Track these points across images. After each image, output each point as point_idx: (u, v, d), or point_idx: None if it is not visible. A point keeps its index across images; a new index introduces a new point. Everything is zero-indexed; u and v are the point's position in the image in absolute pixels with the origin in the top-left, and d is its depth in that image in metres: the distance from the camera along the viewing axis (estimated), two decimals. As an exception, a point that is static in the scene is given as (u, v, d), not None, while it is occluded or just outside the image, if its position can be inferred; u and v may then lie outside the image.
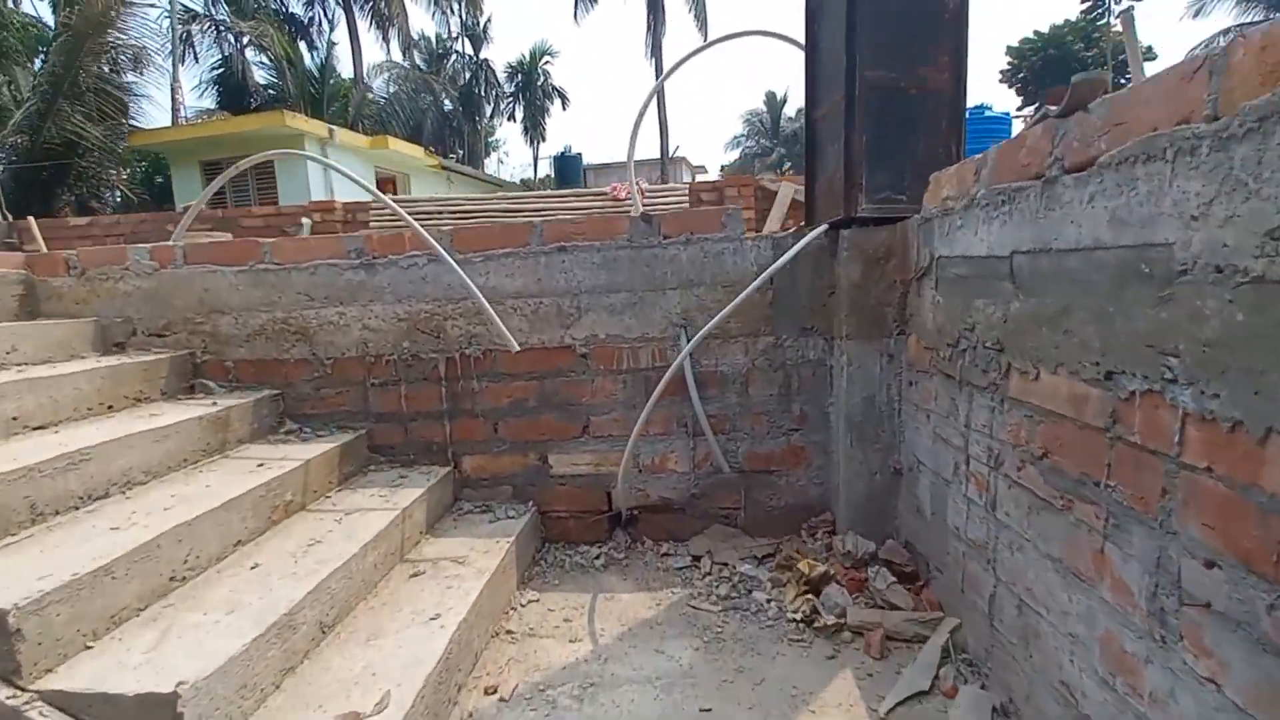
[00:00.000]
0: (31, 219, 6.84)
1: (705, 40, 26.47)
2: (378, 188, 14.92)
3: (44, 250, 6.97)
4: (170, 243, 2.62)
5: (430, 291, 2.48)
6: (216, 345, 2.61)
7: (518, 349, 2.31)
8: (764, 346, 2.42)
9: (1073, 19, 26.43)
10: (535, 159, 35.56)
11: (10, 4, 17.62)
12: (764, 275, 2.21)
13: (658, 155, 28.23)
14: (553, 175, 32.46)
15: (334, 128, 13.16)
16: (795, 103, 40.50)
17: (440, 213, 7.90)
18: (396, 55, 26.27)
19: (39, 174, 12.75)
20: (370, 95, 22.59)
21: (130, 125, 14.28)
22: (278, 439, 2.47)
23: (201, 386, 2.58)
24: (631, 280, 2.42)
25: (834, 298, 2.33)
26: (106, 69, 13.76)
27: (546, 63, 31.87)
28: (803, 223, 6.86)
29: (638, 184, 7.67)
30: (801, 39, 2.55)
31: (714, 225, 2.38)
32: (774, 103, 40.90)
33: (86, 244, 8.66)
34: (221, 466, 2.14)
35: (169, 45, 15.76)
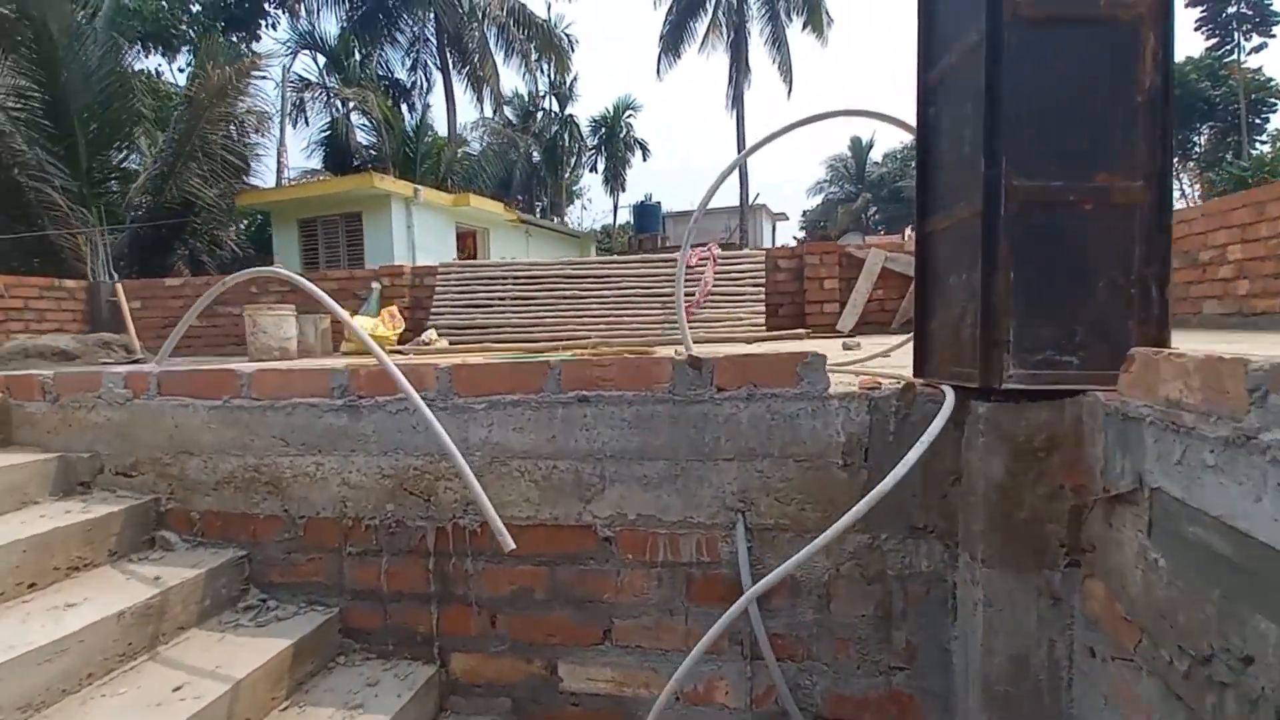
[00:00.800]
0: (120, 285, 7.13)
1: (789, 91, 26.07)
2: (458, 242, 15.26)
3: (128, 316, 7.25)
4: (147, 369, 2.27)
5: (421, 444, 1.98)
6: (183, 491, 2.21)
7: (512, 546, 1.73)
8: (854, 548, 1.73)
9: (1196, 56, 24.25)
10: (615, 207, 36.18)
11: (154, 74, 19.88)
12: (871, 497, 1.51)
13: (737, 203, 27.95)
14: (632, 223, 32.86)
15: (419, 187, 13.58)
16: (882, 147, 39.41)
17: (504, 278, 7.68)
18: (489, 113, 27.59)
19: (159, 231, 13.86)
20: (463, 150, 23.57)
21: (243, 185, 15.43)
22: (227, 623, 1.99)
23: (162, 541, 2.18)
24: (673, 445, 1.81)
25: (959, 489, 1.63)
26: (234, 133, 15.01)
27: (629, 115, 32.62)
28: (900, 298, 5.97)
29: (709, 252, 7.12)
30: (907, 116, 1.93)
31: (786, 375, 1.75)
32: (859, 148, 39.89)
33: (178, 304, 9.04)
34: (132, 681, 1.68)
35: (279, 112, 17.08)
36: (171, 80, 20.80)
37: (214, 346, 8.40)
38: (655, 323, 6.76)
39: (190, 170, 13.65)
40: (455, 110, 25.53)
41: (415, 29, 25.02)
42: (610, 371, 1.86)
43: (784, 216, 37.46)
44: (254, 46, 23.06)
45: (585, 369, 1.88)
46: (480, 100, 26.97)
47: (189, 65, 19.99)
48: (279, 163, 17.38)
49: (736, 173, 26.79)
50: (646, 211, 31.21)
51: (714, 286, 6.87)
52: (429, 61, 25.95)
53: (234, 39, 22.43)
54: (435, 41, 24.73)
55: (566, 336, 6.93)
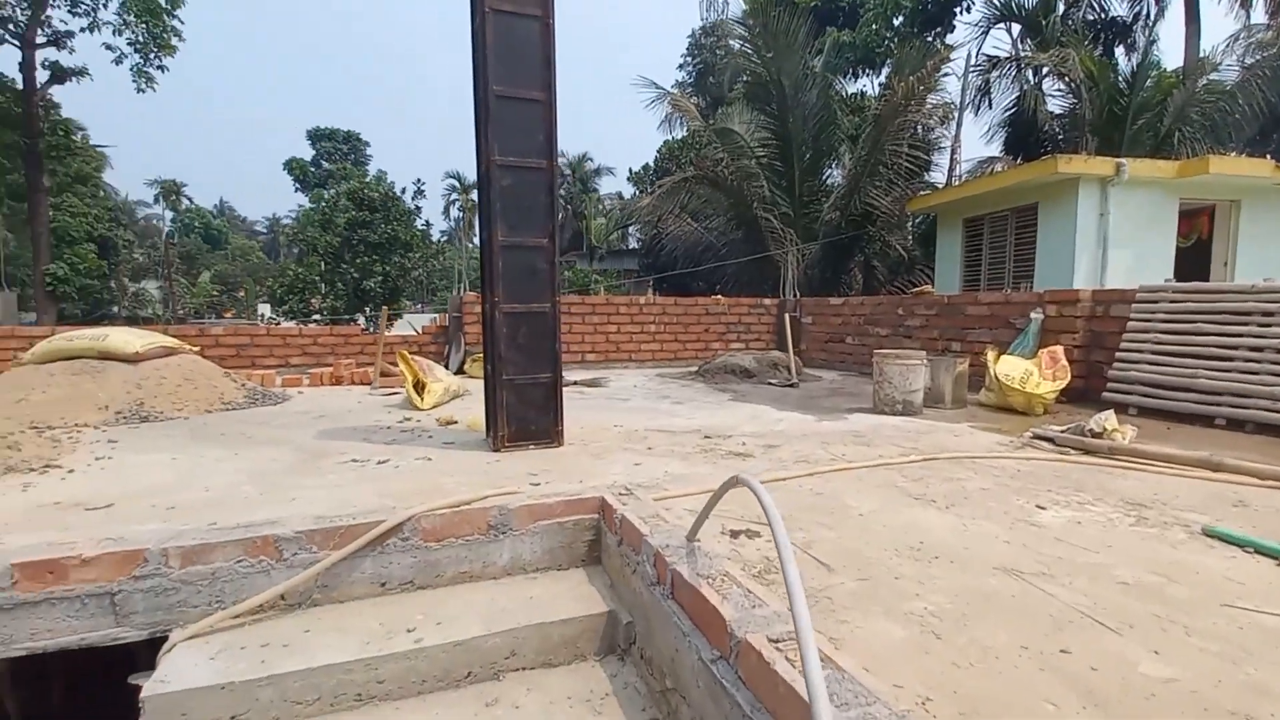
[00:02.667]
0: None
1: None
2: (1180, 226, 11.09)
3: (789, 338, 8.05)
4: (671, 557, 1.90)
5: None
6: (675, 733, 1.76)
7: None
8: None
9: None
10: None
11: (860, 95, 22.29)
12: None
13: None
14: None
15: (1123, 162, 10.29)
16: None
17: (1255, 312, 4.66)
18: (1259, 19, 18.96)
19: (842, 242, 15.61)
20: (1205, 82, 16.73)
21: (917, 187, 15.67)
22: None
23: (652, 780, 1.80)
24: None
25: None
26: (919, 132, 15.42)
27: None
28: None
29: None
30: None
31: None
32: None
33: (838, 321, 9.66)
34: None
35: (958, 105, 16.31)
36: (873, 94, 22.73)
37: (866, 363, 8.30)
38: None
39: (871, 182, 14.69)
40: (1199, 32, 18.60)
41: (1148, -58, 19.37)
42: None
43: None
44: (947, 39, 22.81)
45: None
46: (1247, 5, 18.78)
47: (887, 77, 21.54)
48: (951, 158, 16.72)
49: None
50: None
51: None
52: (1164, -23, 19.70)
53: (928, 38, 22.75)
54: (1177, -52, 18.48)
55: None
